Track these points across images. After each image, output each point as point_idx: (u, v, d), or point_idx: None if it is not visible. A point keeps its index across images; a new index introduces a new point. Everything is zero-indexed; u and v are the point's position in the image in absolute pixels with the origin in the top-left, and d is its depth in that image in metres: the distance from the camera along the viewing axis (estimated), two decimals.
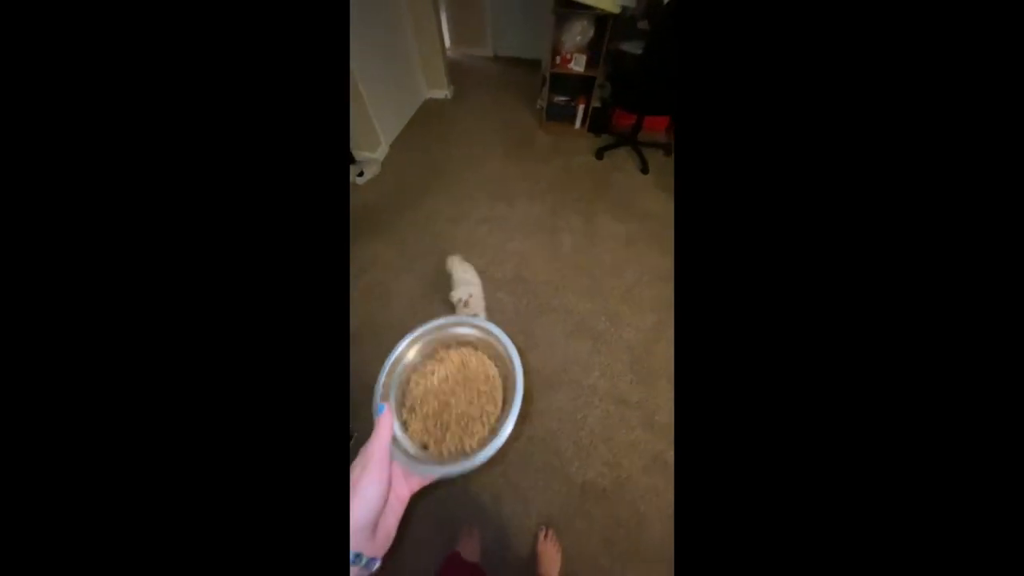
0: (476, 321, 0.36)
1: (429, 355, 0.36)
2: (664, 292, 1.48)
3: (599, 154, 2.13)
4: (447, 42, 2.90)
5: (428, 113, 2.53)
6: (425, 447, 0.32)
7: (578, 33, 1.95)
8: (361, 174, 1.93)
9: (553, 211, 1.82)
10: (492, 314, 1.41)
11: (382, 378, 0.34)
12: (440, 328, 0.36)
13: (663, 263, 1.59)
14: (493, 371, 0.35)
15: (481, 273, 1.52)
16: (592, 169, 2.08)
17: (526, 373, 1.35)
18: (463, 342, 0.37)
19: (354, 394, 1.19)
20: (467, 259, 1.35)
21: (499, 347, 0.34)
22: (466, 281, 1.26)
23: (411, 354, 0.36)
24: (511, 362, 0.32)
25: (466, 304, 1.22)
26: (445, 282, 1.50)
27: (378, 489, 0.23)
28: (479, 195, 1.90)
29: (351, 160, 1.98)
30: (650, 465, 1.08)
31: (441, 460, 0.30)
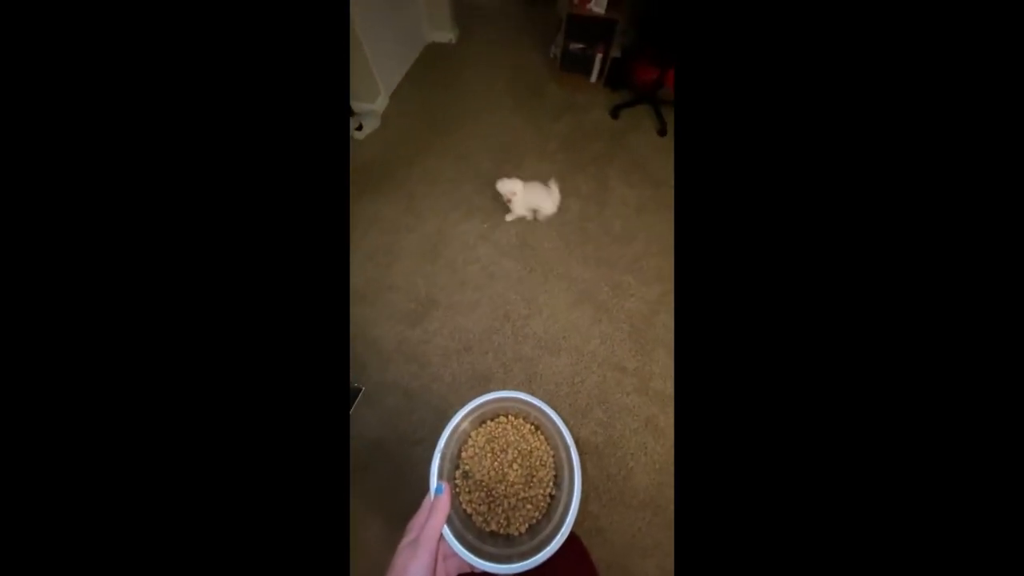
0: (537, 403, 0.33)
1: (490, 417, 0.35)
2: (671, 263, 1.45)
3: (615, 112, 1.98)
4: None
5: (431, 59, 2.32)
6: (469, 516, 0.31)
7: None
8: (360, 128, 1.82)
9: (562, 174, 1.73)
10: (496, 281, 1.40)
11: (438, 454, 0.31)
12: (499, 400, 0.34)
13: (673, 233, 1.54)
14: (550, 459, 0.34)
15: (484, 237, 1.50)
16: (606, 128, 1.95)
17: (527, 337, 1.37)
18: (522, 415, 0.35)
19: (359, 350, 1.24)
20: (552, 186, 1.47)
21: (557, 436, 0.33)
22: (527, 189, 1.40)
23: (465, 425, 0.34)
24: (568, 453, 0.31)
25: (508, 200, 1.39)
26: (448, 244, 1.48)
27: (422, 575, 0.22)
28: (484, 154, 1.80)
29: (349, 112, 1.86)
30: (642, 427, 1.14)
31: (484, 538, 0.29)
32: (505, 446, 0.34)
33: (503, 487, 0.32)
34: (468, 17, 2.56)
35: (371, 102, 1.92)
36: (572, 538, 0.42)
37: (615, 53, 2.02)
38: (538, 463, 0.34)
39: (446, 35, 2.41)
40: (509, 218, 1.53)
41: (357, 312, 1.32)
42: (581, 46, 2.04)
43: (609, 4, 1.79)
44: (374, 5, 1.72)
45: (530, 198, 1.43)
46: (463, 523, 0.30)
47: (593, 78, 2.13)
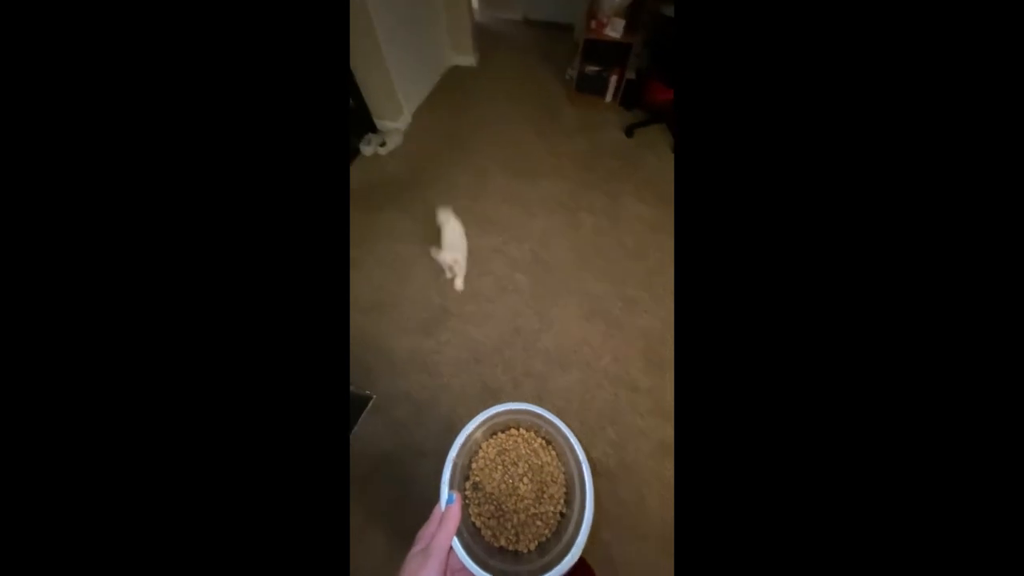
0: (549, 416, 0.33)
1: (501, 429, 0.35)
2: None
3: (629, 131, 2.01)
4: (475, 4, 2.73)
5: (452, 81, 2.44)
6: (478, 530, 0.31)
7: None
8: (383, 144, 1.91)
9: (576, 191, 1.76)
10: (508, 293, 1.41)
11: (449, 463, 0.30)
12: (512, 412, 0.33)
13: None
14: (561, 475, 0.33)
15: (498, 251, 1.52)
16: (621, 147, 1.97)
17: (537, 352, 1.34)
18: (534, 428, 0.35)
19: (371, 359, 1.26)
20: (478, 226, 1.39)
21: (569, 452, 0.32)
22: (455, 245, 1.30)
23: (478, 435, 0.34)
24: (579, 470, 0.31)
25: (451, 269, 1.28)
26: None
27: None
28: (501, 170, 1.85)
29: (373, 130, 1.96)
30: (656, 450, 1.09)
31: (492, 553, 0.29)
32: (516, 459, 0.33)
33: (513, 501, 0.32)
34: (489, 42, 2.69)
35: (395, 120, 2.02)
36: (581, 561, 0.40)
37: (630, 75, 2.07)
38: (549, 479, 0.33)
39: (468, 59, 2.53)
40: (460, 285, 1.37)
41: (371, 321, 1.35)
42: (597, 68, 2.10)
43: (625, 29, 1.85)
44: (400, 29, 1.84)
45: (463, 251, 1.33)
46: (472, 536, 0.30)
47: (608, 98, 2.18)
